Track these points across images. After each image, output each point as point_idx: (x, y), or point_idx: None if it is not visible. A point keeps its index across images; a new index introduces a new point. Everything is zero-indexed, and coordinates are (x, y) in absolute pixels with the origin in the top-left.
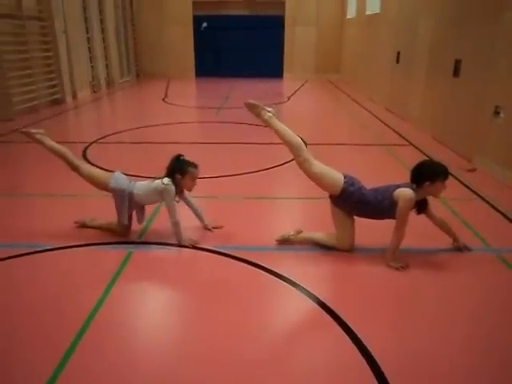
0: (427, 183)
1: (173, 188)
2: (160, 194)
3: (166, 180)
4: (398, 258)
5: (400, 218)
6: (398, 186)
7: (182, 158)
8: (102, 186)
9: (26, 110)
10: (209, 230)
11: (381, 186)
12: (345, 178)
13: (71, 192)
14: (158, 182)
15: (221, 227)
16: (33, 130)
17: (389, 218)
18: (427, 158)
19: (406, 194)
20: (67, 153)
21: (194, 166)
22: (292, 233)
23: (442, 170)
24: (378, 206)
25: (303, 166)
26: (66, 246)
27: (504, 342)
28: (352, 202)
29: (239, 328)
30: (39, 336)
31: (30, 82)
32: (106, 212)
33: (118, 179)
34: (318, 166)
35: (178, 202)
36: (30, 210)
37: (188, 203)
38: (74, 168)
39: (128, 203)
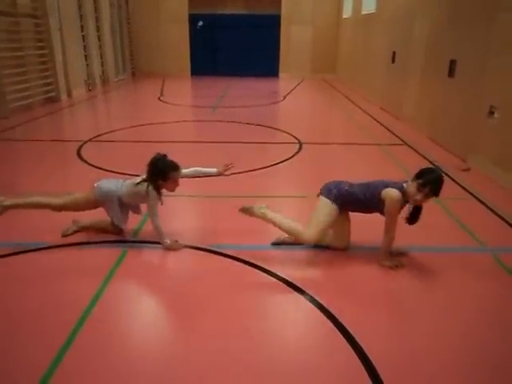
0: (409, 182)
1: (155, 194)
2: (143, 197)
3: (150, 187)
4: (391, 257)
5: (388, 219)
6: (387, 186)
7: (162, 158)
8: (90, 204)
9: (21, 108)
10: (226, 175)
11: (373, 181)
12: (329, 195)
13: (67, 190)
14: (139, 187)
15: (231, 164)
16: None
17: (380, 213)
18: (435, 166)
19: (391, 194)
20: (40, 199)
21: (176, 168)
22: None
23: (429, 176)
24: (367, 202)
25: (306, 240)
26: (62, 244)
27: (500, 343)
28: (343, 202)
29: (235, 327)
30: (34, 332)
31: (24, 79)
32: (102, 211)
33: (102, 188)
34: (314, 227)
35: (162, 204)
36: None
37: (187, 176)
38: (57, 208)
39: (119, 207)
